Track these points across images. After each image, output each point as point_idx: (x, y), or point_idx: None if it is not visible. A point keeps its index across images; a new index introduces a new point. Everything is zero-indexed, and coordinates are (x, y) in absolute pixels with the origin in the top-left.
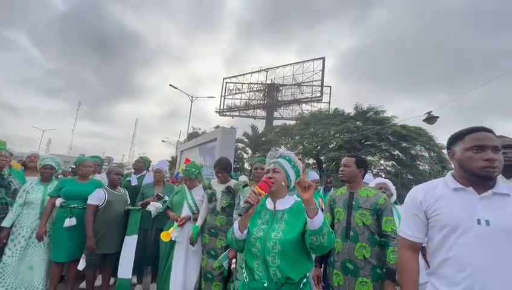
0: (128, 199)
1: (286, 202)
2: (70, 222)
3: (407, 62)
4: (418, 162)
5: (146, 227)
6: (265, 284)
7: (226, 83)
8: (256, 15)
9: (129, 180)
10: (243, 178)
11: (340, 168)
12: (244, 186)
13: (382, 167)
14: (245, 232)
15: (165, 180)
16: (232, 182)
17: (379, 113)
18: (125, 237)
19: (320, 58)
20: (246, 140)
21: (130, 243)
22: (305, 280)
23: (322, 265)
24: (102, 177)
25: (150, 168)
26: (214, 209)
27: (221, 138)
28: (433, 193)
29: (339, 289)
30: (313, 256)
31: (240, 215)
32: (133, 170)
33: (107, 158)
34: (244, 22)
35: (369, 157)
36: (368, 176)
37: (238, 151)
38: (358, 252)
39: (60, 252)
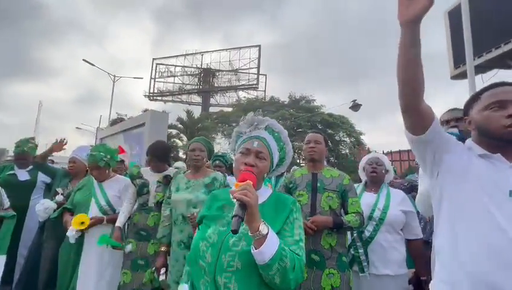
0: (4, 200)
1: (260, 196)
2: None
3: (318, 60)
4: (341, 147)
5: (39, 238)
6: None
7: (157, 64)
8: None
9: (14, 174)
10: (179, 164)
11: (310, 145)
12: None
13: None
14: None
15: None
16: (170, 170)
17: (310, 101)
18: None
19: (256, 46)
20: (180, 126)
21: None
22: None
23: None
24: None
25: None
26: (144, 205)
27: (151, 123)
28: (468, 157)
29: (299, 285)
30: None
31: (235, 231)
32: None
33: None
34: (164, 4)
35: (300, 143)
36: None
37: (172, 139)
38: (325, 240)
39: None
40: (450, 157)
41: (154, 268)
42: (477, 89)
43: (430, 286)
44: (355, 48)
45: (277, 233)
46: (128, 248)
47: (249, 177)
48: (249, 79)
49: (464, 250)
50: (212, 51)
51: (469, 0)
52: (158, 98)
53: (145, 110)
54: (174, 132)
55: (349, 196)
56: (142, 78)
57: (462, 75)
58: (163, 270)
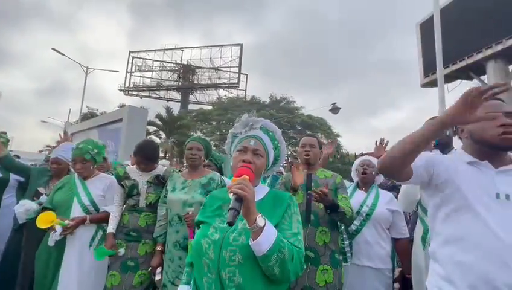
0: None
1: (257, 192)
2: None
3: (297, 62)
4: None
5: (13, 239)
6: None
7: (133, 58)
8: None
9: None
10: (164, 162)
11: (306, 149)
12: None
13: (289, 153)
14: None
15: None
16: (159, 169)
17: (290, 103)
18: None
19: (238, 45)
20: (159, 123)
21: None
22: None
23: None
24: None
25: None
26: (135, 206)
27: (129, 119)
28: (455, 166)
29: (295, 281)
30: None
31: (231, 223)
32: None
33: None
34: None
35: None
36: None
37: (149, 136)
38: (319, 237)
39: None
40: (439, 170)
41: (149, 268)
42: (446, 97)
43: (427, 282)
44: (334, 50)
45: (275, 227)
46: (121, 252)
47: (245, 173)
48: (229, 77)
49: (459, 251)
50: (193, 47)
51: (440, 14)
52: (134, 92)
53: (122, 105)
54: (151, 128)
55: (339, 192)
56: (117, 71)
57: (432, 84)
58: (159, 269)
